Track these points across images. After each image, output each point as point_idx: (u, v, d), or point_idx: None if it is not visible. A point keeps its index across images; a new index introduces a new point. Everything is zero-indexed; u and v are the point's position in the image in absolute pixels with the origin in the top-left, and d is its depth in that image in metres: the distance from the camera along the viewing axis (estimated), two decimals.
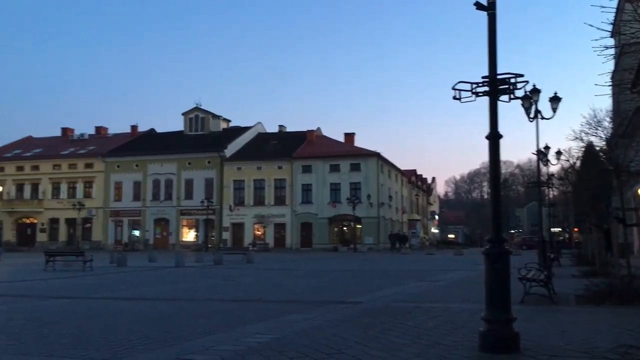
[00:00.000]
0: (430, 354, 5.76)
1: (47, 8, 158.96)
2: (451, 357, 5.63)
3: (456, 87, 6.57)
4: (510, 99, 6.39)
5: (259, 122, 64.96)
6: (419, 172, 79.16)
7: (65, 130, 68.12)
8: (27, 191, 60.93)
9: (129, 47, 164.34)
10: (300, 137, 59.00)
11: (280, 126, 64.20)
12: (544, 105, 17.89)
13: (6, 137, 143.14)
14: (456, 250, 49.38)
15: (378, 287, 13.84)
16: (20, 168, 61.39)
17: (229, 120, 65.86)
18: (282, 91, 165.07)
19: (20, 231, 60.30)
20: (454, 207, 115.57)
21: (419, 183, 79.65)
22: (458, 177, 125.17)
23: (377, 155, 54.81)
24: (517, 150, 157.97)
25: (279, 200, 55.42)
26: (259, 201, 55.70)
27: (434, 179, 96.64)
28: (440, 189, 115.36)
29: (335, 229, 55.06)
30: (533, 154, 23.71)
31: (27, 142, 67.00)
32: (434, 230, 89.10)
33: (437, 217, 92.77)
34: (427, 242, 73.41)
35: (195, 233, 56.84)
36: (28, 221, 60.63)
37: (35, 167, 60.99)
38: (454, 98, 6.59)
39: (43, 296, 12.45)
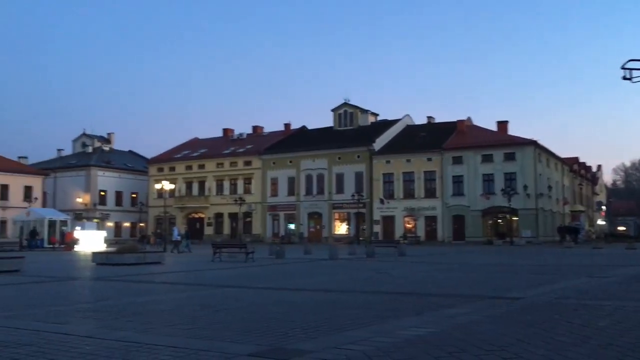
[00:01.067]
0: (603, 356, 5.32)
1: (206, 17, 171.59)
2: None
3: (626, 66, 5.97)
4: None
5: (407, 115, 64.53)
6: (581, 160, 73.43)
7: (226, 130, 73.18)
8: (195, 188, 66.44)
9: (282, 48, 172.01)
10: (450, 128, 57.59)
11: (429, 117, 63.22)
12: None
13: (176, 139, 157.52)
14: (627, 244, 45.01)
15: (539, 283, 13.08)
16: (189, 167, 67.11)
17: (377, 114, 66.24)
18: (430, 82, 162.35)
19: (190, 225, 66.00)
20: (623, 197, 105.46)
21: (582, 172, 73.84)
22: (628, 164, 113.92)
23: (533, 143, 51.78)
24: None
25: (429, 193, 54.64)
26: (409, 194, 55.36)
27: (599, 166, 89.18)
28: (608, 177, 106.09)
29: (489, 222, 53.03)
30: None
31: (194, 143, 73.03)
32: (601, 222, 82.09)
33: (604, 207, 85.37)
34: (594, 235, 67.82)
35: (347, 226, 58.02)
36: (197, 216, 66.12)
37: (202, 166, 66.27)
38: (624, 78, 6.01)
39: (213, 285, 13.50)
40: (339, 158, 58.38)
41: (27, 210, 49.59)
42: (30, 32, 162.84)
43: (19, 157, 68.17)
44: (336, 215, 58.87)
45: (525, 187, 49.95)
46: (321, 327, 7.02)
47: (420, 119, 64.47)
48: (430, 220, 54.52)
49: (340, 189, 57.95)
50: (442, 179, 53.98)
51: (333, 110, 64.67)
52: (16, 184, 58.52)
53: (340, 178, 58.29)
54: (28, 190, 59.10)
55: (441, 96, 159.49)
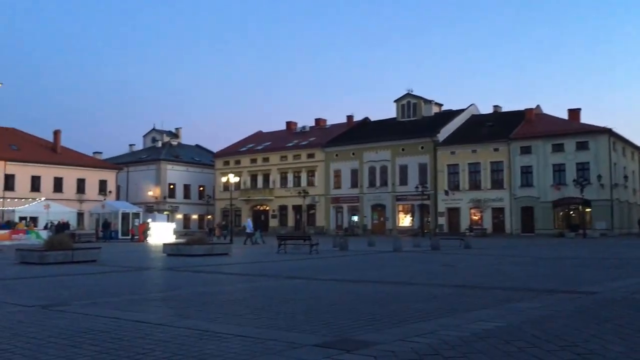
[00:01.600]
0: None
1: (270, 13, 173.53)
2: None
3: None
4: None
5: (472, 104, 63.10)
6: None
7: (289, 124, 73.94)
8: (260, 181, 67.58)
9: (344, 40, 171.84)
10: (518, 117, 55.91)
11: (495, 106, 61.57)
12: None
13: (241, 133, 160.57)
14: None
15: (615, 277, 12.53)
16: (253, 160, 68.31)
17: (441, 104, 65.14)
18: (496, 70, 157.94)
19: (255, 217, 67.14)
20: None
21: None
22: None
23: (608, 131, 49.51)
24: None
25: (496, 184, 53.31)
26: (475, 185, 54.22)
27: None
28: None
29: (561, 213, 51.21)
30: None
31: (258, 137, 74.23)
32: None
33: None
34: None
35: (411, 218, 57.49)
36: (261, 208, 67.26)
37: (266, 159, 67.29)
38: None
39: (278, 276, 13.71)
40: (403, 149, 57.82)
41: (103, 203, 51.95)
42: (103, 34, 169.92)
43: (94, 153, 71.50)
44: (400, 207, 58.41)
45: (599, 177, 47.87)
46: (387, 319, 7.00)
47: (486, 109, 62.99)
48: (498, 212, 53.20)
49: (403, 181, 57.44)
50: (509, 169, 52.52)
51: (396, 101, 64.08)
52: (92, 178, 61.38)
53: (403, 170, 57.76)
54: (103, 184, 61.91)
55: (508, 84, 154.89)
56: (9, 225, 44.20)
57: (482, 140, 53.98)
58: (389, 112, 66.24)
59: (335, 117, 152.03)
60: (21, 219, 48.45)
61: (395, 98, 64.11)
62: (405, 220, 58.10)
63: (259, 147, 69.24)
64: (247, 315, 7.49)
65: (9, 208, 51.35)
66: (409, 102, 63.08)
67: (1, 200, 53.44)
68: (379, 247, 28.84)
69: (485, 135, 54.45)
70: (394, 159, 58.27)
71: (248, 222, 37.86)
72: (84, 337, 5.99)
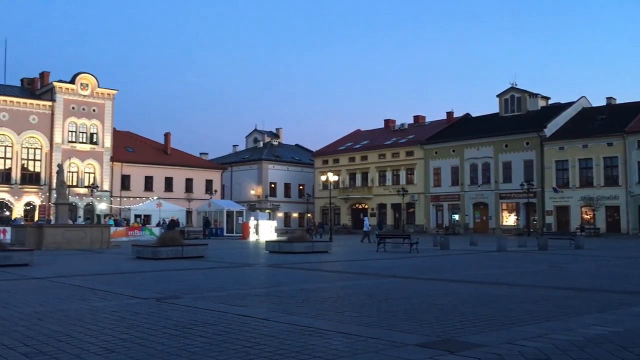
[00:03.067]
0: None
1: (370, 10, 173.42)
2: None
3: None
4: None
5: (583, 97, 59.51)
6: None
7: (387, 121, 73.55)
8: (358, 179, 67.76)
9: (442, 33, 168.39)
10: (634, 109, 52.05)
11: (609, 98, 57.66)
12: None
13: (339, 132, 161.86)
14: None
15: None
16: (351, 159, 68.61)
17: (548, 98, 62.03)
18: (609, 60, 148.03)
19: (355, 215, 67.44)
20: None
21: None
22: None
23: None
24: None
25: (610, 181, 49.97)
26: (586, 182, 51.14)
27: None
28: None
29: None
30: None
31: (356, 135, 74.47)
32: None
33: None
34: None
35: (516, 217, 55.27)
36: (360, 207, 67.43)
37: (364, 157, 67.36)
38: None
39: (378, 275, 13.69)
40: (506, 145, 55.68)
41: (209, 201, 54.42)
42: (208, 40, 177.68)
43: (201, 154, 75.05)
44: (504, 206, 56.31)
45: None
46: (492, 321, 6.78)
47: (598, 101, 59.26)
48: (612, 211, 49.83)
49: (507, 178, 55.31)
50: (625, 165, 49.02)
51: (498, 95, 61.83)
52: (199, 177, 64.44)
53: (507, 166, 55.61)
54: (209, 184, 64.79)
55: (623, 75, 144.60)
56: (126, 222, 47.45)
57: (594, 134, 50.76)
58: (491, 107, 64.15)
59: (434, 113, 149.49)
60: (136, 216, 51.85)
61: (498, 92, 61.93)
62: (509, 219, 55.93)
63: (357, 146, 69.43)
64: (348, 313, 7.54)
65: (126, 206, 55.11)
66: (512, 96, 60.63)
67: (118, 199, 57.45)
68: (481, 246, 28.00)
69: (597, 129, 51.19)
70: (497, 155, 56.25)
71: (365, 221, 37.34)
72: (194, 329, 6.31)
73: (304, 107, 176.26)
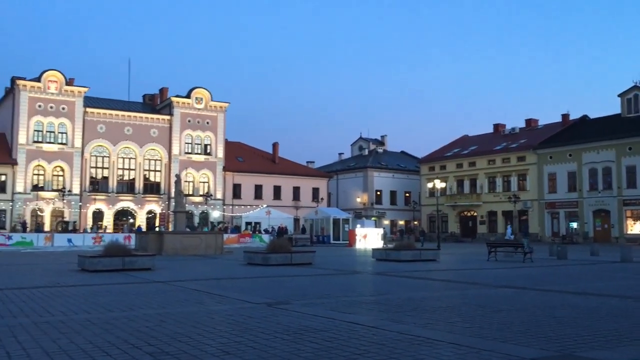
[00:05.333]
0: None
1: (473, 13, 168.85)
2: None
3: None
4: None
5: None
6: None
7: (496, 126, 71.01)
8: (467, 186, 65.90)
9: (555, 31, 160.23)
10: None
11: None
12: None
13: (445, 138, 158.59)
14: None
15: None
16: (459, 165, 66.90)
17: None
18: None
19: (463, 223, 65.59)
20: None
21: None
22: None
23: None
24: None
25: None
26: None
27: None
28: None
29: None
30: None
31: (464, 141, 72.56)
32: None
33: None
34: None
35: None
36: (469, 214, 65.52)
37: (472, 164, 65.43)
38: None
39: (489, 285, 13.21)
40: (630, 148, 51.73)
41: (316, 209, 55.31)
42: (313, 51, 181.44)
43: (307, 162, 76.53)
44: (628, 213, 52.26)
45: None
46: (617, 336, 6.32)
47: None
48: None
49: (631, 183, 51.33)
50: None
51: (620, 95, 57.65)
52: (306, 186, 65.73)
53: (631, 171, 51.61)
54: (315, 192, 65.88)
55: None
56: (237, 229, 49.40)
57: None
58: (611, 108, 59.90)
59: (547, 116, 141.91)
60: (247, 224, 53.80)
61: (620, 92, 57.75)
62: (634, 228, 51.81)
63: (465, 152, 67.61)
64: (458, 323, 7.35)
65: (237, 214, 57.39)
66: (636, 95, 56.26)
67: (230, 207, 59.96)
68: (603, 256, 26.19)
69: None
70: (619, 159, 52.38)
71: (508, 229, 35.27)
72: (304, 334, 6.42)
73: (409, 114, 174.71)
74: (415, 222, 70.94)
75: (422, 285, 13.24)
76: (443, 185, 57.63)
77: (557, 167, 57.28)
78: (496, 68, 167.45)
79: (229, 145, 63.12)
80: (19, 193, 49.92)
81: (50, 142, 51.67)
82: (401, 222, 72.78)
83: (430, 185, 49.81)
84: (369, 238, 43.11)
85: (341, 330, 6.68)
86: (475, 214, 64.61)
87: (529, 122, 68.06)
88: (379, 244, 40.87)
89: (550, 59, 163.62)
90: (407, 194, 73.95)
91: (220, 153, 60.09)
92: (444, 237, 56.71)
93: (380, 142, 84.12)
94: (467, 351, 5.50)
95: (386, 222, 69.95)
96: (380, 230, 48.14)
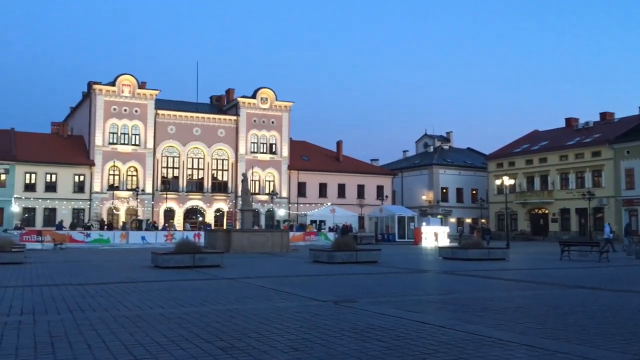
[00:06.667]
0: None
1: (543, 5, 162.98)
2: None
3: None
4: None
5: None
6: None
7: (569, 120, 68.27)
8: (537, 183, 63.73)
9: (628, 18, 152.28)
10: None
11: None
12: None
13: (514, 133, 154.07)
14: None
15: None
16: (529, 161, 64.79)
17: None
18: None
19: (533, 221, 63.50)
20: None
21: None
22: None
23: None
24: None
25: None
26: None
27: None
28: None
29: None
30: None
31: (534, 136, 70.18)
32: None
33: None
34: None
35: None
36: (539, 212, 63.33)
37: (543, 159, 63.21)
38: None
39: (562, 285, 12.74)
40: None
41: (380, 207, 55.02)
42: (377, 51, 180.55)
43: (372, 160, 76.21)
44: None
45: None
46: None
47: None
48: None
49: None
50: None
51: None
52: (370, 184, 65.50)
53: None
54: (380, 189, 65.52)
55: None
56: (302, 227, 49.86)
57: None
58: None
59: (624, 109, 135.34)
60: (312, 222, 54.19)
61: None
62: None
63: (535, 147, 65.36)
64: (530, 324, 7.13)
65: (302, 212, 57.92)
66: None
67: (296, 205, 60.56)
68: None
69: None
70: None
71: (606, 227, 32.74)
72: (372, 333, 6.42)
73: (475, 110, 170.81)
74: (484, 220, 69.30)
75: (491, 284, 12.93)
76: (512, 182, 55.91)
77: (635, 162, 54.50)
78: (568, 60, 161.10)
79: (294, 144, 63.71)
80: (97, 192, 52.36)
81: (124, 144, 53.88)
82: (468, 220, 71.30)
83: (498, 182, 48.51)
84: (436, 236, 42.45)
85: (409, 329, 6.63)
86: (546, 211, 62.43)
87: (603, 115, 65.07)
88: (446, 242, 40.21)
89: (626, 50, 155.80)
90: (474, 192, 72.33)
91: (285, 152, 60.78)
92: (513, 236, 55.09)
93: (446, 139, 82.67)
94: (540, 353, 5.34)
95: (452, 219, 68.70)
96: (447, 229, 47.33)
